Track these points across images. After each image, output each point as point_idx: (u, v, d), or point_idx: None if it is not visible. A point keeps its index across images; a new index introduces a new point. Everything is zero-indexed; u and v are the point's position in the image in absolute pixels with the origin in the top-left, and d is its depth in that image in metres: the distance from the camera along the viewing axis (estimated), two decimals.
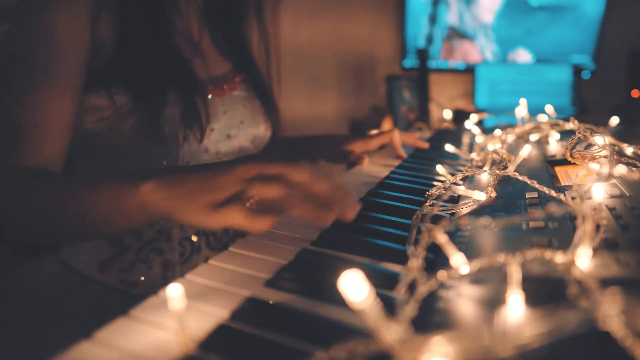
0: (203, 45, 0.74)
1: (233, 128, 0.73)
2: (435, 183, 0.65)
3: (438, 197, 0.52)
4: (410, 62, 1.96)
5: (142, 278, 0.68)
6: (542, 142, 0.78)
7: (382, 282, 0.35)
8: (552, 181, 0.55)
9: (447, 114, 1.21)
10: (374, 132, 0.89)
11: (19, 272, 0.69)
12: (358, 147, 0.82)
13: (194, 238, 0.72)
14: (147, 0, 0.62)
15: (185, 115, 0.64)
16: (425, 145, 0.87)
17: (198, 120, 0.65)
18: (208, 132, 0.68)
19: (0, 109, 0.53)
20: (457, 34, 1.92)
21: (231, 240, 0.77)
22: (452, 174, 0.60)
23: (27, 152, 0.52)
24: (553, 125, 0.78)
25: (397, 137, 0.83)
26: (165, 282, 0.68)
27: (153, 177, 0.41)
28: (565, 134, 0.80)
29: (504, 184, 0.56)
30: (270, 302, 0.34)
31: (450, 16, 1.90)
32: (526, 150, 0.55)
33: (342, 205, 0.41)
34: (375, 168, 0.76)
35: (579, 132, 0.57)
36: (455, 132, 1.06)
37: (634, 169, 0.49)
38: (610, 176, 0.46)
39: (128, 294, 0.67)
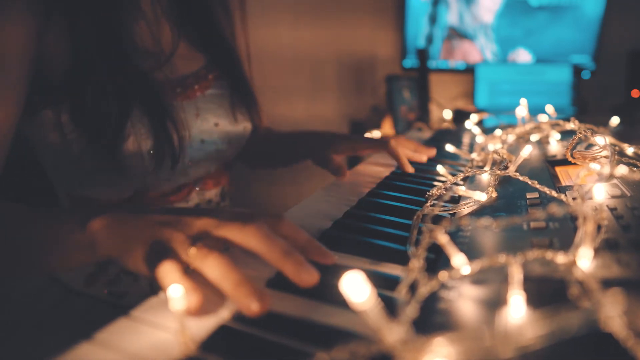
0: (171, 42, 0.66)
1: (206, 132, 0.67)
2: (435, 183, 0.65)
3: (439, 198, 0.52)
4: (410, 62, 1.96)
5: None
6: (542, 142, 0.77)
7: (383, 283, 0.35)
8: (553, 181, 0.55)
9: (447, 114, 1.21)
10: (371, 134, 0.84)
11: (6, 286, 0.67)
12: (345, 150, 0.73)
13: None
14: (98, 7, 0.54)
15: (157, 147, 0.58)
16: (424, 158, 0.74)
17: (171, 151, 0.59)
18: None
19: None
20: (457, 34, 1.92)
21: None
22: (453, 174, 0.60)
23: None
24: (553, 125, 0.78)
25: (395, 149, 0.70)
26: (153, 291, 0.66)
27: (103, 215, 0.39)
28: (566, 134, 0.80)
29: (504, 184, 0.56)
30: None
31: (450, 16, 1.89)
32: (527, 151, 0.55)
33: (292, 273, 0.34)
34: (375, 168, 0.76)
35: (580, 132, 0.57)
36: (455, 132, 1.06)
37: (635, 169, 0.49)
38: (611, 176, 0.46)
39: (116, 306, 0.66)
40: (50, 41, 0.53)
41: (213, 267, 0.33)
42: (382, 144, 0.71)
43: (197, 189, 0.72)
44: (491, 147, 0.73)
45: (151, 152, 0.58)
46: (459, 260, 0.34)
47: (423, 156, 0.74)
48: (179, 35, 0.67)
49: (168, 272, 0.33)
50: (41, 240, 0.42)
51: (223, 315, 0.32)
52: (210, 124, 0.68)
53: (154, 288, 0.66)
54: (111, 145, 0.56)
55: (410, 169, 0.70)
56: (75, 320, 0.63)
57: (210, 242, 0.36)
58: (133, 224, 0.38)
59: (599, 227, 0.37)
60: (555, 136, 0.77)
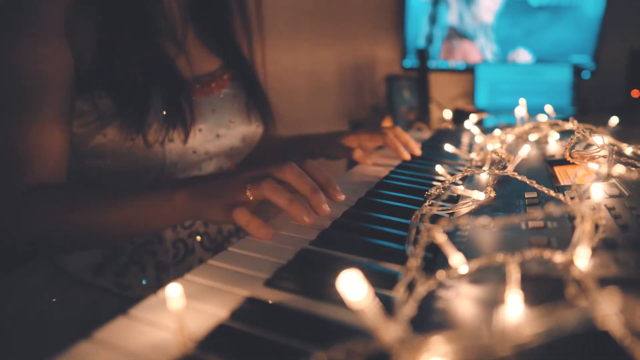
0: (189, 43, 0.72)
1: (222, 127, 0.72)
2: (434, 183, 0.65)
3: (437, 197, 0.52)
4: (410, 62, 1.96)
5: (142, 282, 0.68)
6: (541, 142, 0.77)
7: (381, 282, 0.36)
8: (552, 181, 0.55)
9: (447, 114, 1.20)
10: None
11: (14, 277, 0.68)
12: (351, 142, 0.80)
13: (188, 239, 0.72)
14: (127, 1, 0.61)
15: (169, 116, 0.63)
16: (416, 152, 0.80)
17: (182, 121, 0.64)
18: (196, 132, 0.67)
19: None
20: (457, 34, 1.92)
21: (225, 240, 0.77)
22: (452, 174, 0.60)
23: (34, 172, 0.55)
24: (552, 125, 0.78)
25: (393, 140, 0.78)
26: (159, 284, 0.68)
27: (184, 187, 0.51)
28: (565, 134, 0.80)
29: (503, 184, 0.56)
30: (270, 302, 0.34)
31: (450, 16, 1.89)
32: (525, 150, 0.55)
33: (315, 205, 0.48)
34: (374, 168, 0.76)
35: (578, 132, 0.57)
36: (455, 132, 1.06)
37: (633, 168, 0.49)
38: (609, 176, 0.46)
39: (123, 297, 0.66)
40: (80, 33, 0.59)
41: (269, 191, 0.47)
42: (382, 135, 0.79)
43: None
44: (490, 147, 0.73)
45: (164, 114, 0.63)
46: (456, 260, 0.34)
47: (407, 154, 0.79)
48: (187, 28, 0.72)
49: (241, 215, 0.46)
50: (140, 212, 0.52)
51: (221, 314, 0.33)
52: (226, 120, 0.73)
53: (161, 280, 0.69)
54: (137, 112, 0.61)
55: (407, 156, 0.78)
56: (80, 311, 0.63)
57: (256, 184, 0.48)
58: (207, 190, 0.50)
59: (596, 227, 0.37)
60: (554, 136, 0.77)
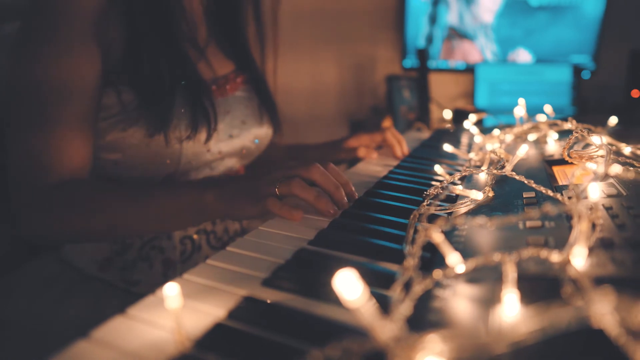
0: (207, 46, 0.75)
1: (235, 128, 0.73)
2: (433, 183, 0.65)
3: (436, 197, 0.52)
4: (410, 62, 1.96)
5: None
6: (540, 142, 0.78)
7: (379, 281, 0.36)
8: (550, 181, 0.55)
9: (447, 114, 1.21)
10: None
11: (21, 271, 0.69)
12: (352, 143, 0.87)
13: (195, 236, 0.72)
14: (153, 5, 0.63)
15: (193, 117, 0.65)
16: (400, 153, 0.84)
17: (206, 122, 0.66)
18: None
19: (25, 148, 0.57)
20: (457, 34, 1.92)
21: (231, 239, 0.78)
22: (450, 174, 0.60)
23: (56, 175, 0.57)
24: (551, 125, 0.78)
25: (391, 138, 0.85)
26: (166, 280, 0.69)
27: (212, 188, 0.55)
28: (564, 134, 0.80)
29: (501, 183, 0.56)
30: (268, 302, 0.34)
31: (450, 16, 1.89)
32: (523, 150, 0.55)
33: (338, 199, 0.54)
34: (373, 168, 0.76)
35: (577, 132, 0.57)
36: (454, 132, 1.06)
37: (630, 168, 0.49)
38: (606, 176, 0.46)
39: (129, 292, 0.67)
40: (110, 30, 0.60)
41: (298, 188, 0.52)
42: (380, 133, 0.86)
43: None
44: (489, 146, 0.73)
45: (190, 115, 0.65)
46: (453, 259, 0.34)
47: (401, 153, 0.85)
48: (212, 35, 0.76)
49: (273, 204, 0.51)
50: (168, 209, 0.56)
51: (219, 314, 0.33)
52: (238, 121, 0.75)
53: (167, 277, 0.70)
54: (163, 112, 0.62)
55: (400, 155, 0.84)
56: (87, 306, 0.64)
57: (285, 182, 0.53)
58: (237, 190, 0.54)
59: (594, 226, 0.37)
60: (553, 136, 0.77)
